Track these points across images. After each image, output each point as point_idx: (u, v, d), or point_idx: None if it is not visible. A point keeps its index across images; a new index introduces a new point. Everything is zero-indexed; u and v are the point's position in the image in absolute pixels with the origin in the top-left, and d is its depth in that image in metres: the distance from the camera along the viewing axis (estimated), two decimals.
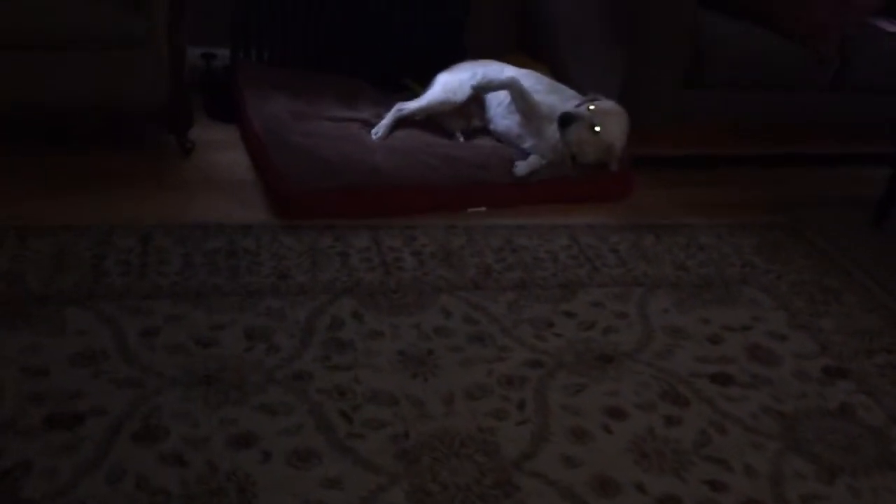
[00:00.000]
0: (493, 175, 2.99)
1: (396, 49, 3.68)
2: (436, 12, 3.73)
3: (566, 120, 2.98)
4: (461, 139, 3.29)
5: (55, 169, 2.81)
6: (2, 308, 2.13)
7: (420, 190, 2.86)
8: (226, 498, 1.69)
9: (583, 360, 2.26)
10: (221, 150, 3.10)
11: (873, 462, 2.05)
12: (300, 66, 3.58)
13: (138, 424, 1.84)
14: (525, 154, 3.14)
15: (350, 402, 1.99)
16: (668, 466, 1.94)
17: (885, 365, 2.42)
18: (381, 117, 3.29)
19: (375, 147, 3.07)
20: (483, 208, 2.97)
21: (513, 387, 2.13)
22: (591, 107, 3.02)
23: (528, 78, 3.33)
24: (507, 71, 3.41)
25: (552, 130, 3.10)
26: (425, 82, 3.56)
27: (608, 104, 3.06)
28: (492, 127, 3.32)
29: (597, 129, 2.97)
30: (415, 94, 3.50)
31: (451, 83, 3.33)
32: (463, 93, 3.31)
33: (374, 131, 3.17)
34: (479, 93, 3.25)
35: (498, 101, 3.31)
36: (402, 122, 3.24)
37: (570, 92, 3.28)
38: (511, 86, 3.17)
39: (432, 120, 3.30)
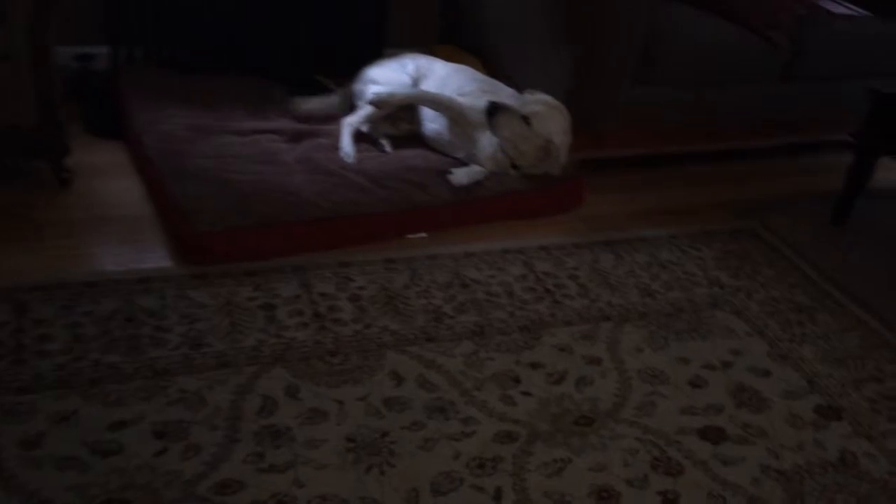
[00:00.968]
0: (432, 195, 2.63)
1: (309, 43, 3.23)
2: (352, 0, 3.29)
3: (493, 110, 2.64)
4: (388, 148, 2.90)
5: None
6: None
7: (351, 219, 2.46)
8: None
9: (560, 427, 1.96)
10: (107, 177, 2.61)
11: None
12: (197, 67, 3.09)
13: None
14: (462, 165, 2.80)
15: None
16: None
17: (876, 398, 2.23)
18: (294, 126, 2.87)
19: (293, 166, 2.65)
20: (423, 234, 2.61)
21: (485, 471, 1.80)
22: (525, 96, 2.70)
23: (458, 75, 2.97)
24: (436, 66, 3.03)
25: (488, 138, 2.75)
26: (341, 80, 3.15)
27: (544, 96, 2.74)
28: (422, 130, 2.95)
29: (529, 119, 2.64)
30: (324, 90, 3.11)
31: (387, 79, 2.94)
32: (403, 85, 2.93)
33: (344, 154, 2.75)
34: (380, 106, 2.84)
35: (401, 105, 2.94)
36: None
37: (508, 91, 2.94)
38: (419, 99, 2.81)
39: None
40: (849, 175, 3.01)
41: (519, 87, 2.99)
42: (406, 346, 2.12)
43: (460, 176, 2.70)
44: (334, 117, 2.97)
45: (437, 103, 2.80)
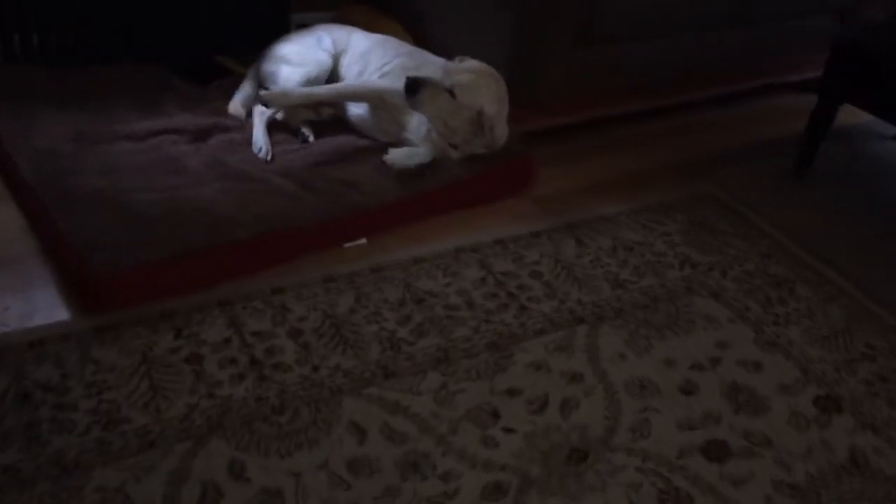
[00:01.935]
0: (368, 193, 2.29)
1: (205, 18, 2.79)
2: None
3: (412, 87, 2.31)
4: (310, 137, 2.54)
5: None
6: None
7: (279, 235, 2.11)
8: None
9: (552, 467, 1.71)
10: None
11: None
12: (73, 58, 2.62)
13: None
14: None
15: None
16: None
17: (872, 379, 2.07)
18: (198, 121, 2.47)
19: (202, 172, 2.27)
20: (363, 240, 2.28)
21: None
22: (450, 65, 2.38)
23: (380, 49, 2.61)
24: (356, 39, 2.67)
25: (418, 118, 2.43)
26: (246, 60, 2.75)
27: (471, 63, 2.42)
28: (347, 115, 2.59)
29: (455, 91, 2.33)
30: (231, 74, 2.70)
31: (304, 58, 2.55)
32: (323, 62, 2.55)
33: (257, 150, 2.38)
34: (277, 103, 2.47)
35: (353, 76, 2.59)
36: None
37: (439, 61, 2.59)
38: (319, 97, 2.46)
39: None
40: (810, 122, 2.82)
41: (449, 56, 2.65)
42: (363, 388, 1.82)
43: (399, 156, 2.37)
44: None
45: (345, 96, 2.44)
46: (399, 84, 2.42)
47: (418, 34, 2.89)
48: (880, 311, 2.29)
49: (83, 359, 1.77)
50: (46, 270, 1.99)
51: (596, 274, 2.30)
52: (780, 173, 2.89)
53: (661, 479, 1.72)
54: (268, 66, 2.59)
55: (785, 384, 2.02)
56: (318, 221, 2.17)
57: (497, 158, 2.48)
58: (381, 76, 2.51)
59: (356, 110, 2.53)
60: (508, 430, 1.78)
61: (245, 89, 2.61)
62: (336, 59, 2.60)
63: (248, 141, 2.43)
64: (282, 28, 2.90)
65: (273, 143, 2.47)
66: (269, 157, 2.37)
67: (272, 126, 2.52)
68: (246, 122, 2.52)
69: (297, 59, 2.54)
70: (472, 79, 2.37)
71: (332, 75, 2.62)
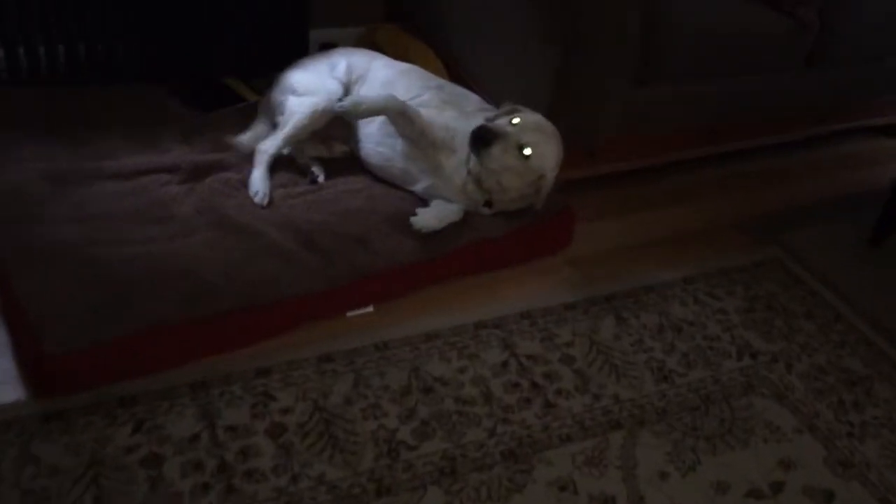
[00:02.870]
0: (380, 253, 1.99)
1: (213, 35, 2.51)
2: None
3: (484, 138, 1.98)
4: (320, 177, 2.24)
5: None
6: None
7: (271, 307, 1.82)
8: None
9: None
10: None
11: None
12: (58, 79, 2.36)
13: None
14: (420, 200, 2.17)
15: None
16: None
17: None
18: (195, 157, 2.19)
19: (192, 220, 1.99)
20: (370, 308, 1.98)
21: None
22: (515, 120, 2.04)
23: (406, 79, 2.30)
24: (376, 66, 2.35)
25: (454, 163, 2.12)
26: (260, 85, 2.47)
27: (536, 118, 2.08)
28: (363, 154, 2.29)
29: (527, 151, 2.01)
30: (241, 101, 2.43)
31: (312, 87, 2.25)
32: (332, 93, 2.26)
33: (254, 195, 2.09)
34: (345, 116, 2.20)
35: (369, 117, 2.28)
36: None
37: (474, 98, 2.28)
38: (387, 108, 2.12)
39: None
40: (894, 184, 2.44)
41: (486, 94, 2.34)
42: None
43: (428, 218, 2.05)
44: None
45: (404, 115, 2.12)
46: (446, 120, 2.11)
47: (450, 62, 2.58)
48: None
49: (23, 456, 1.50)
50: (5, 334, 1.73)
51: (637, 362, 1.97)
52: (861, 238, 2.51)
53: None
54: (277, 96, 2.30)
55: None
56: (318, 290, 1.87)
57: (532, 215, 2.16)
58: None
59: (379, 149, 2.22)
60: None
61: (258, 126, 2.32)
62: (349, 86, 2.30)
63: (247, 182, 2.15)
64: (299, 48, 2.62)
65: (277, 184, 2.18)
66: (265, 202, 2.08)
67: (278, 163, 2.23)
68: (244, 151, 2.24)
69: (304, 88, 2.24)
70: (543, 138, 2.04)
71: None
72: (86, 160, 2.09)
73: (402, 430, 1.69)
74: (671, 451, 1.75)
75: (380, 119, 2.20)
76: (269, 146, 2.19)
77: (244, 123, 2.35)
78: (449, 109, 2.18)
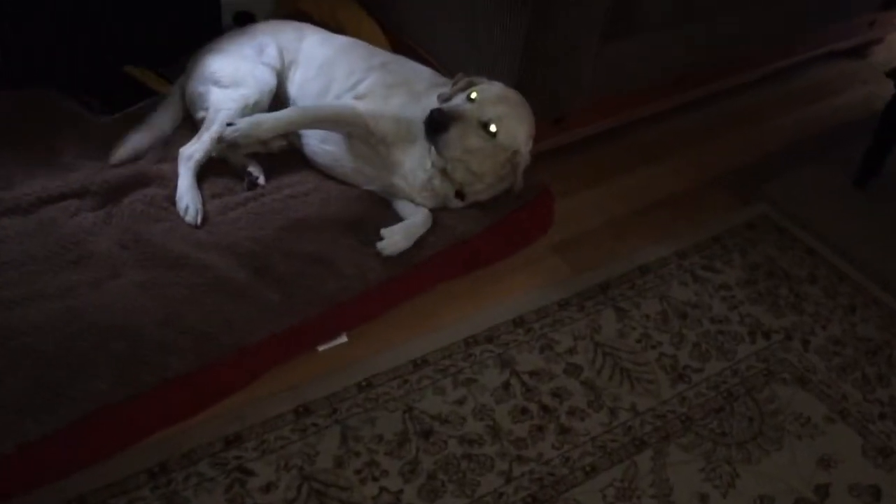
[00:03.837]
0: (348, 275, 1.70)
1: (104, 14, 2.10)
2: None
3: (438, 123, 1.69)
4: (260, 179, 1.92)
5: None
6: None
7: (229, 358, 1.52)
8: None
9: None
10: None
11: None
12: None
13: None
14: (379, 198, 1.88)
15: None
16: None
17: None
18: (106, 173, 1.83)
19: (114, 258, 1.65)
20: (343, 338, 1.71)
21: None
22: (473, 95, 1.75)
23: (348, 58, 1.98)
24: (311, 44, 2.02)
25: (415, 158, 1.83)
26: (168, 70, 2.10)
27: (496, 88, 1.79)
28: (307, 153, 1.97)
29: (492, 128, 1.73)
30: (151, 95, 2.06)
31: (240, 76, 1.90)
32: (266, 82, 1.92)
33: (183, 211, 1.76)
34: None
35: (313, 98, 1.96)
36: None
37: (425, 73, 1.97)
38: (295, 124, 1.83)
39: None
40: (881, 122, 2.28)
41: (438, 66, 2.04)
42: None
43: (396, 241, 1.75)
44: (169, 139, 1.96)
45: (334, 121, 1.82)
46: (391, 103, 1.81)
47: (390, 28, 2.25)
48: None
49: None
50: None
51: (648, 361, 1.77)
52: (846, 180, 2.36)
53: None
54: (195, 86, 1.94)
55: None
56: (281, 329, 1.58)
57: (507, 202, 1.90)
58: (355, 98, 1.88)
59: (325, 145, 1.91)
60: None
61: (142, 132, 1.92)
62: (282, 72, 1.97)
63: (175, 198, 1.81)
64: (211, 19, 2.23)
65: (209, 195, 1.85)
66: (198, 221, 1.76)
67: (207, 167, 1.89)
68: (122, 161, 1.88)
69: (229, 77, 1.89)
70: (510, 110, 1.75)
71: (278, 96, 1.98)
72: None
73: (407, 492, 1.45)
74: (705, 466, 1.57)
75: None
76: (195, 151, 1.85)
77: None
78: (396, 94, 1.86)
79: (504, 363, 1.71)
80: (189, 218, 1.76)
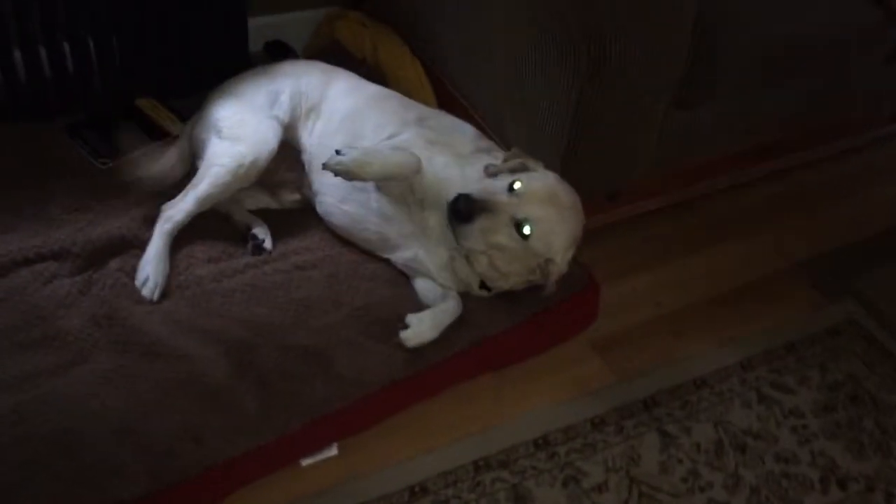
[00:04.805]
0: (344, 374, 1.46)
1: (121, 49, 1.90)
2: None
3: (465, 210, 1.44)
4: (266, 242, 1.70)
5: None
6: None
7: (194, 480, 1.31)
8: None
9: None
10: None
11: None
12: None
13: None
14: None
15: None
16: None
17: None
18: (92, 231, 1.63)
19: (84, 337, 1.46)
20: (332, 450, 1.48)
21: None
22: (518, 184, 1.48)
23: (379, 110, 1.72)
24: (335, 91, 1.77)
25: (444, 227, 1.57)
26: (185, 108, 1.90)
27: (547, 181, 1.51)
28: (321, 211, 1.73)
29: (526, 230, 1.46)
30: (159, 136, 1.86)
31: (242, 130, 1.67)
32: (266, 142, 1.68)
33: (140, 282, 1.55)
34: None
35: (330, 153, 1.70)
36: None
37: (470, 133, 1.70)
38: (403, 172, 1.54)
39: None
40: None
41: (482, 121, 1.78)
42: None
43: (423, 331, 1.50)
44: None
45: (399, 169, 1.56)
46: (435, 163, 1.56)
47: (438, 74, 1.99)
48: None
49: None
50: None
51: None
52: None
53: None
54: (199, 131, 1.72)
55: None
56: (256, 446, 1.36)
57: (543, 296, 1.62)
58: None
59: (344, 206, 1.65)
60: None
61: (169, 152, 1.74)
62: (294, 124, 1.72)
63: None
64: (237, 45, 2.01)
65: (205, 258, 1.64)
66: (155, 297, 1.54)
67: (207, 223, 1.68)
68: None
69: (230, 130, 1.65)
70: (552, 214, 1.47)
71: (289, 145, 1.75)
72: None
73: None
74: None
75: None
76: (176, 212, 1.62)
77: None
78: (438, 152, 1.60)
79: (518, 498, 1.45)
80: (146, 291, 1.54)
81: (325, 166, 1.52)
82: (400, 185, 1.57)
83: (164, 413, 1.35)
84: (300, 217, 1.78)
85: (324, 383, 1.44)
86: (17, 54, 1.78)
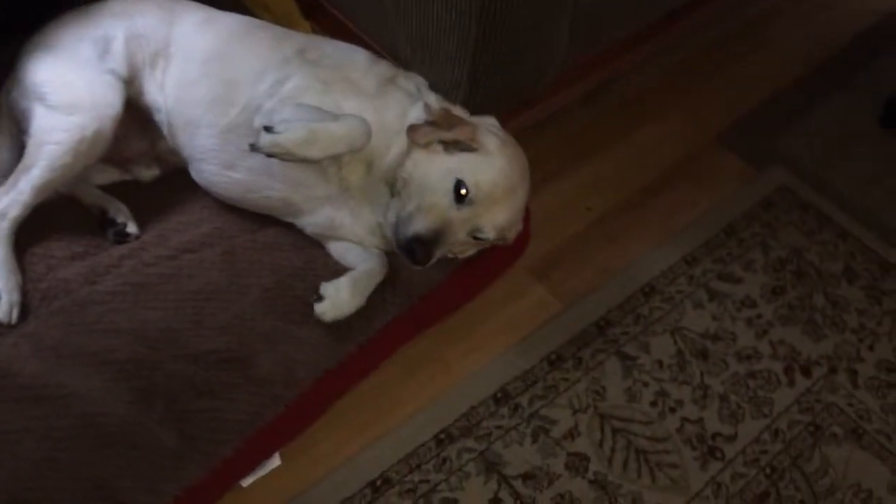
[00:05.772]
0: (267, 375, 1.25)
1: None
2: None
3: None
4: (129, 227, 1.41)
5: None
6: None
7: None
8: None
9: None
10: None
11: None
12: None
13: None
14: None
15: None
16: None
17: None
18: None
19: None
20: (275, 460, 1.28)
21: None
22: (464, 189, 1.22)
23: (247, 49, 1.40)
24: (183, 29, 1.43)
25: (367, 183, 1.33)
26: None
27: (495, 164, 1.26)
28: (201, 180, 1.43)
29: (484, 235, 1.27)
30: None
31: (73, 96, 1.33)
32: (108, 104, 1.35)
33: None
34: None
35: (203, 108, 1.39)
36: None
37: (361, 58, 1.40)
38: (354, 143, 1.26)
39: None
40: None
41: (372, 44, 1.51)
42: None
43: (340, 301, 1.27)
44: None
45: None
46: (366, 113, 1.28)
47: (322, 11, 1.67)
48: None
49: None
50: None
51: (668, 433, 1.40)
52: (866, 124, 1.94)
53: None
54: (17, 97, 1.37)
55: None
56: (188, 480, 1.15)
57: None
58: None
59: (232, 173, 1.35)
60: None
61: None
62: (134, 78, 1.39)
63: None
64: None
65: (68, 256, 1.35)
66: (13, 318, 1.26)
67: (62, 211, 1.38)
68: None
69: (59, 96, 1.31)
70: (507, 208, 1.28)
71: (141, 106, 1.42)
72: None
73: None
74: None
75: (221, 123, 1.35)
76: (8, 206, 1.30)
77: None
78: (341, 95, 1.32)
79: (489, 466, 1.31)
80: (1, 314, 1.26)
81: (253, 148, 1.23)
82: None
83: (61, 473, 1.11)
84: (169, 183, 1.48)
85: (248, 393, 1.22)
86: None
